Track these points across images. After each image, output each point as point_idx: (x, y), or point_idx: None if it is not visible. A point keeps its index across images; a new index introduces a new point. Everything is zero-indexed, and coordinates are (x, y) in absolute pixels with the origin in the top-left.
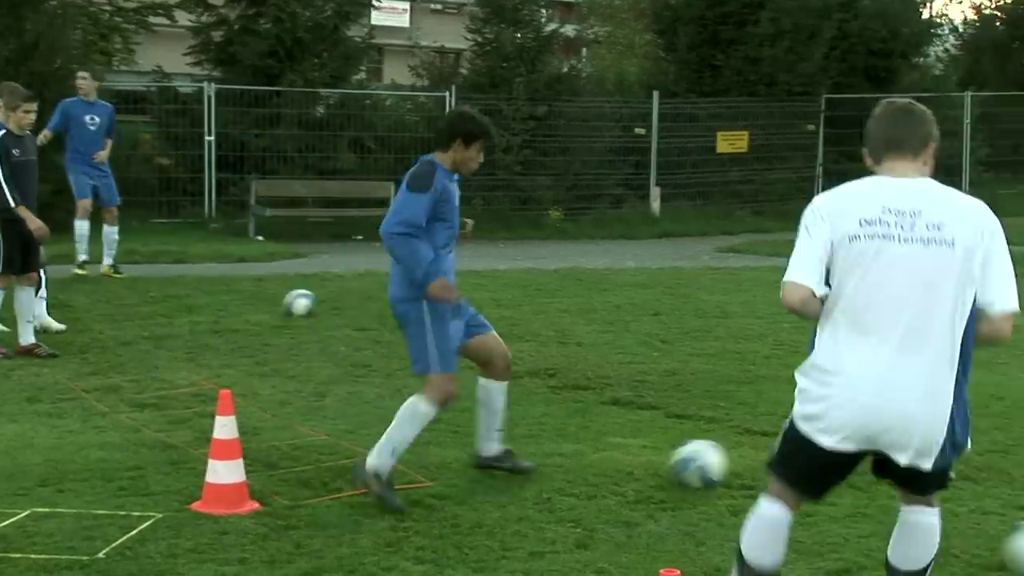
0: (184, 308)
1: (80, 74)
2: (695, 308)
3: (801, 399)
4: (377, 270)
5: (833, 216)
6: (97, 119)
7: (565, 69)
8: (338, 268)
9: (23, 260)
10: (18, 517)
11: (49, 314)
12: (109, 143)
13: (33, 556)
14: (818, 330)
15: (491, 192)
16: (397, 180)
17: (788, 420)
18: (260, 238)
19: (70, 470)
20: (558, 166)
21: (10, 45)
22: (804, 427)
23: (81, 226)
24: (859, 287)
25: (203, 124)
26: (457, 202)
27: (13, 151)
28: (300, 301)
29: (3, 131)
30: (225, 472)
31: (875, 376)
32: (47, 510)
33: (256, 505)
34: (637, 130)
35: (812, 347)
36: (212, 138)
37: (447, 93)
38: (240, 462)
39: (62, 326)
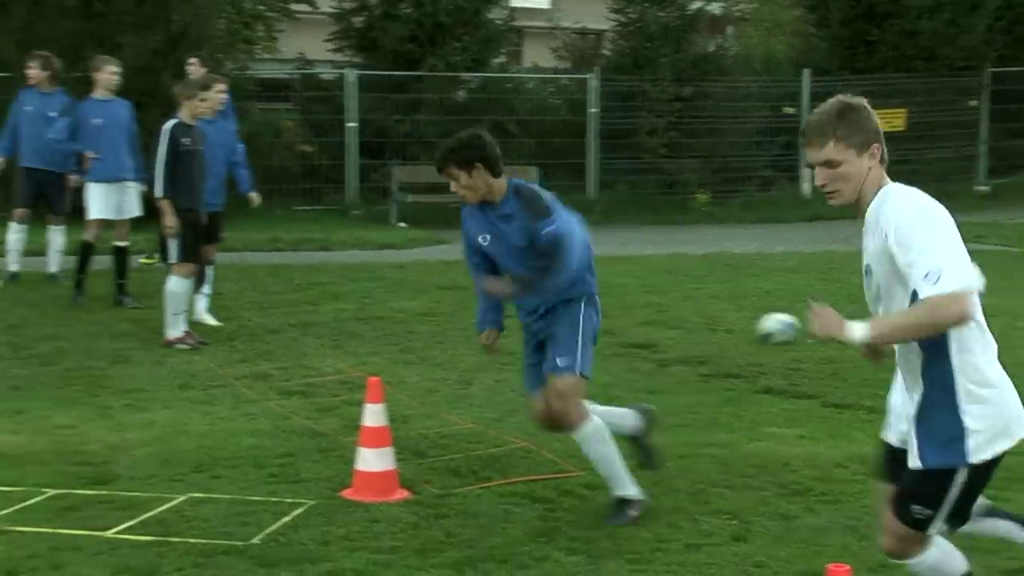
0: (329, 295)
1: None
2: (850, 293)
3: (982, 424)
4: None
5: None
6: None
7: (711, 48)
8: None
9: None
10: (176, 502)
11: (209, 311)
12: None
13: (192, 540)
14: (960, 340)
15: (636, 176)
16: (539, 164)
17: (953, 477)
18: (402, 224)
19: (223, 456)
20: (704, 148)
21: (158, 36)
22: (987, 454)
23: None
24: None
25: (344, 111)
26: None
27: (182, 140)
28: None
29: (175, 120)
30: (375, 460)
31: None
32: (202, 495)
33: (406, 493)
34: (787, 109)
35: (940, 362)
36: (354, 124)
37: (590, 75)
38: (390, 450)
39: (219, 323)
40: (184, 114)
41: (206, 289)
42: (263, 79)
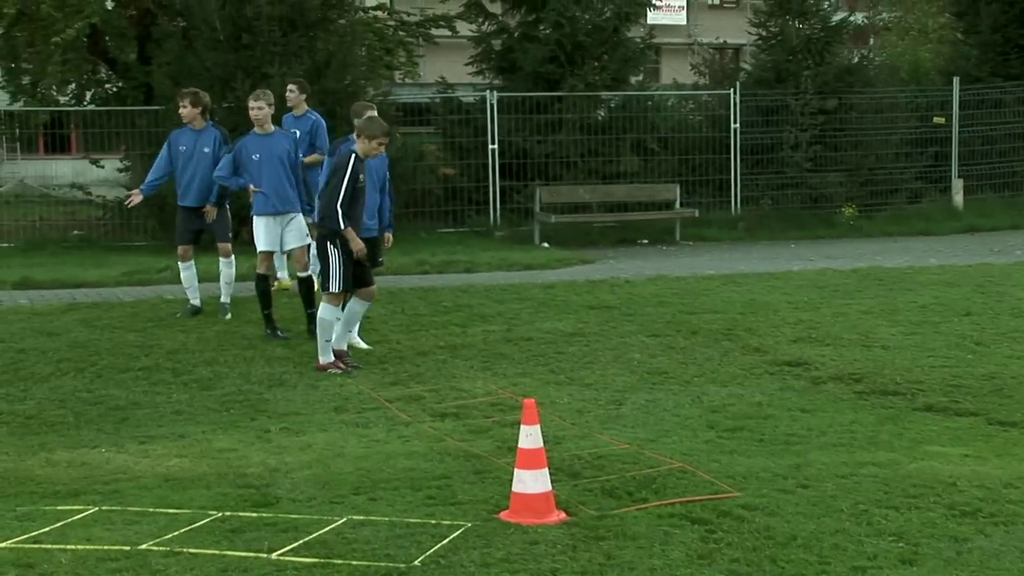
0: (476, 317)
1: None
2: (1011, 307)
3: None
4: (665, 274)
5: None
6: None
7: (855, 59)
8: (627, 273)
9: (356, 276)
10: (336, 524)
11: (360, 335)
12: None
13: (354, 562)
14: None
15: (780, 191)
16: (681, 181)
17: None
18: (546, 245)
19: (380, 478)
20: (850, 161)
21: (304, 64)
22: None
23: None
24: None
25: (486, 133)
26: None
27: (360, 176)
28: None
29: (354, 154)
30: (532, 481)
31: None
32: (362, 517)
33: (563, 515)
34: (937, 119)
35: None
36: (495, 146)
37: (731, 91)
38: (546, 471)
39: (369, 346)
40: (360, 148)
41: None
42: (405, 104)
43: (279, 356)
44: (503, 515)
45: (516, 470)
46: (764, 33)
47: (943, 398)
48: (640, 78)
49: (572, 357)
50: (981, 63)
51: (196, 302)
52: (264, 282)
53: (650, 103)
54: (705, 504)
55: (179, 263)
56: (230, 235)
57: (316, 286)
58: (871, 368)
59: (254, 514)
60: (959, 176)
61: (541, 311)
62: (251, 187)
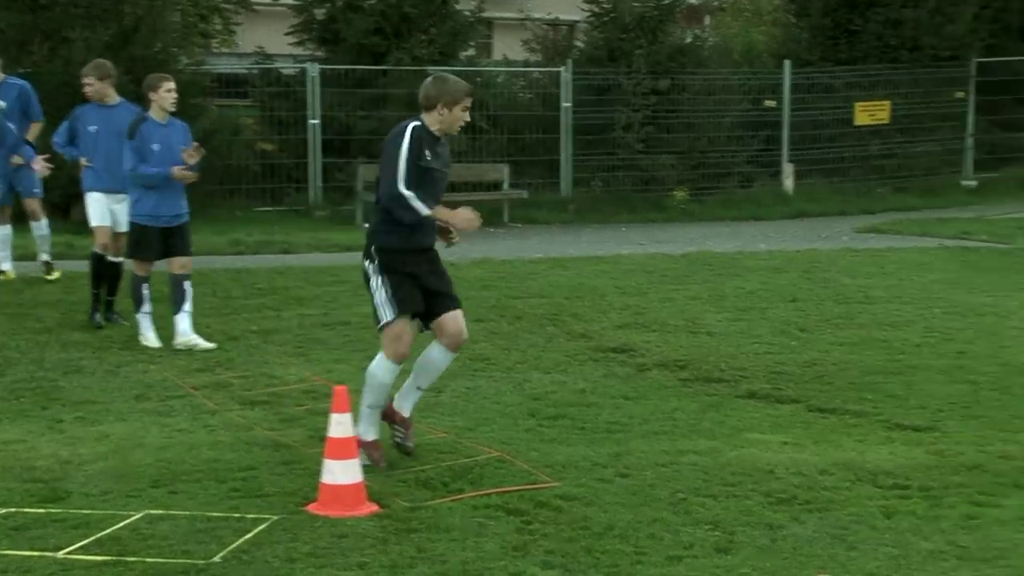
0: (292, 300)
1: None
2: (835, 293)
3: None
4: (491, 258)
5: None
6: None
7: (688, 39)
8: (451, 256)
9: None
10: (132, 519)
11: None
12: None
13: (148, 560)
14: None
15: (611, 172)
16: (510, 161)
17: None
18: (368, 225)
19: (182, 470)
20: (682, 143)
21: (110, 30)
22: None
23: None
24: None
25: (307, 107)
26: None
27: (427, 153)
28: None
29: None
30: (342, 472)
31: None
32: (160, 512)
33: (375, 507)
34: (767, 102)
35: None
36: (317, 121)
37: (562, 68)
38: (357, 462)
39: (212, 344)
40: (436, 122)
41: (187, 307)
42: (220, 74)
43: (76, 341)
44: (311, 507)
45: (325, 460)
46: (597, 9)
47: (766, 385)
48: (471, 53)
49: None
50: (812, 47)
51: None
52: (99, 262)
53: (479, 79)
54: (522, 494)
55: None
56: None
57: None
58: (696, 355)
59: (41, 510)
60: (789, 161)
61: (361, 294)
62: (83, 160)
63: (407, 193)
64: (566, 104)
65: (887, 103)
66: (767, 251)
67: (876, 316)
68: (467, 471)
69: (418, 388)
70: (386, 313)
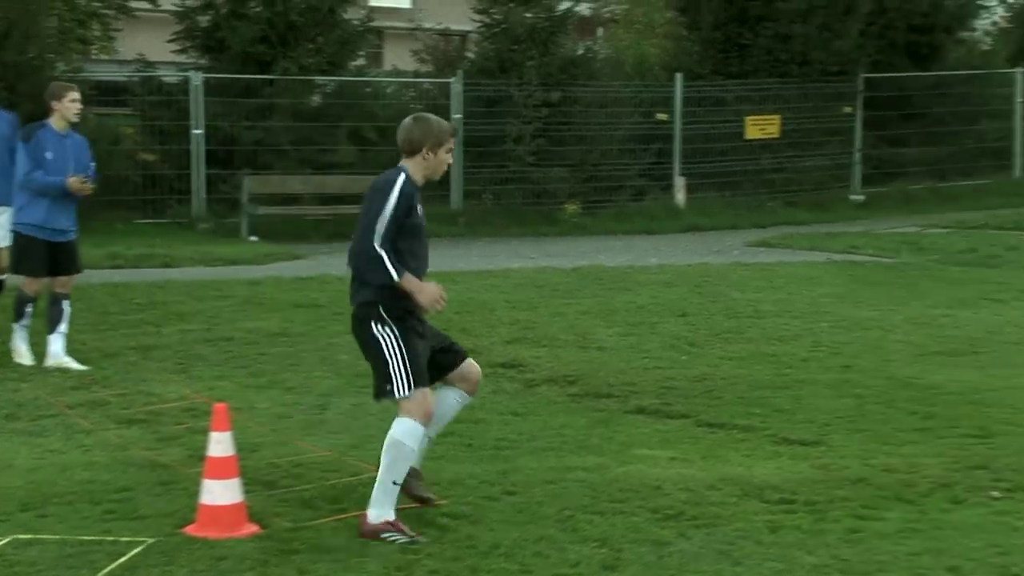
0: (173, 316)
1: None
2: (725, 308)
3: None
4: None
5: None
6: None
7: (580, 51)
8: (339, 270)
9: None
10: None
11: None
12: None
13: None
14: None
15: (502, 185)
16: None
17: None
18: (254, 239)
19: (53, 493)
20: (574, 156)
21: None
22: None
23: None
24: None
25: (189, 117)
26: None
27: (416, 208)
28: None
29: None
30: (221, 492)
31: None
32: (28, 537)
33: (255, 528)
34: (659, 116)
35: None
36: (200, 131)
37: (453, 79)
38: (237, 481)
39: (85, 367)
40: (418, 170)
41: (63, 327)
42: (99, 82)
43: None
44: (189, 529)
45: (205, 480)
46: (488, 20)
47: (655, 400)
48: (360, 63)
49: (275, 359)
50: (703, 60)
51: None
52: None
53: (368, 90)
54: (408, 513)
55: None
56: None
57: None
58: (586, 370)
59: None
60: (681, 174)
61: (244, 309)
62: None
63: (382, 253)
64: (456, 116)
65: (777, 117)
66: (658, 265)
67: (765, 330)
68: (351, 490)
69: (428, 437)
70: (403, 387)
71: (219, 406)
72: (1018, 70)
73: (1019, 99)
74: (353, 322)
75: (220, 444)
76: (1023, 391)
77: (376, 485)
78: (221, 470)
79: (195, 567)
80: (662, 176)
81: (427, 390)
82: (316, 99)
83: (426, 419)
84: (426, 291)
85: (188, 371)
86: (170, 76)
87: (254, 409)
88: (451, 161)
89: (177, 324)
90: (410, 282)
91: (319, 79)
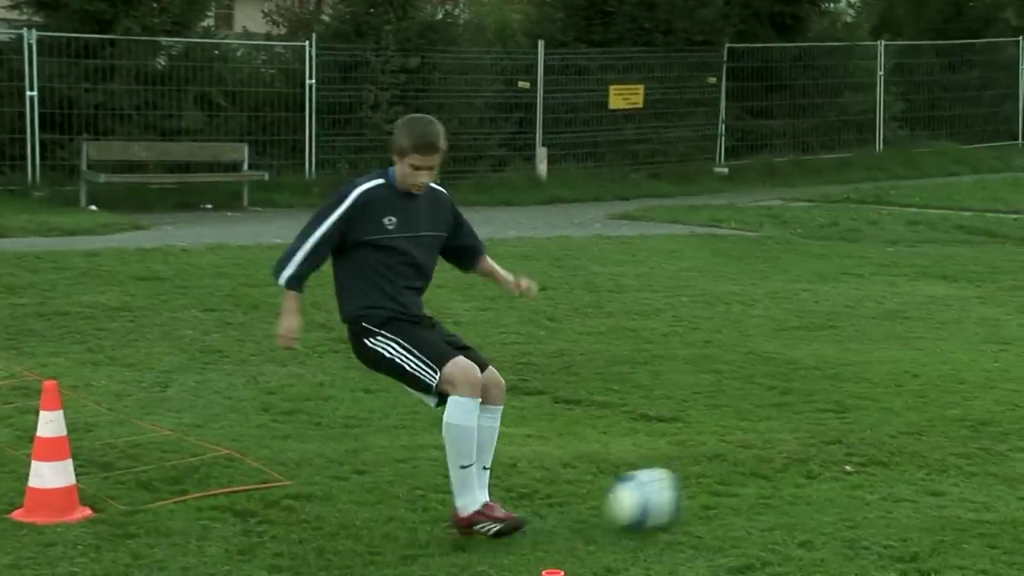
0: (2, 288)
1: None
2: (586, 281)
3: None
4: (228, 243)
5: None
6: None
7: (440, 16)
8: (184, 241)
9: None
10: None
11: None
12: None
13: None
14: None
15: (358, 155)
16: (250, 140)
17: None
18: (94, 208)
19: None
20: None
21: None
22: None
23: None
24: None
25: (23, 78)
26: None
27: (388, 220)
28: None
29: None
30: (51, 475)
31: None
32: None
33: (88, 512)
34: (521, 84)
35: None
36: (34, 93)
37: (307, 43)
38: (69, 463)
39: None
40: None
41: None
42: None
43: None
44: (16, 514)
45: (33, 462)
46: None
47: (512, 376)
48: (209, 24)
49: (114, 334)
50: (566, 27)
51: None
52: None
53: (217, 52)
54: (251, 495)
55: None
56: None
57: None
58: None
59: None
60: (543, 144)
61: (82, 282)
62: None
63: (284, 256)
64: (310, 81)
65: (641, 87)
66: (517, 237)
67: (625, 305)
68: (192, 471)
69: (484, 468)
70: (431, 375)
71: (49, 383)
72: (880, 42)
73: (880, 72)
74: (352, 345)
75: (50, 424)
76: (878, 365)
77: (450, 477)
78: (51, 451)
79: (21, 554)
80: (523, 146)
81: (458, 359)
82: (161, 62)
83: (472, 387)
84: (282, 323)
85: (19, 347)
86: (2, 34)
87: (90, 387)
88: (422, 179)
89: (8, 297)
90: (286, 302)
91: (164, 40)
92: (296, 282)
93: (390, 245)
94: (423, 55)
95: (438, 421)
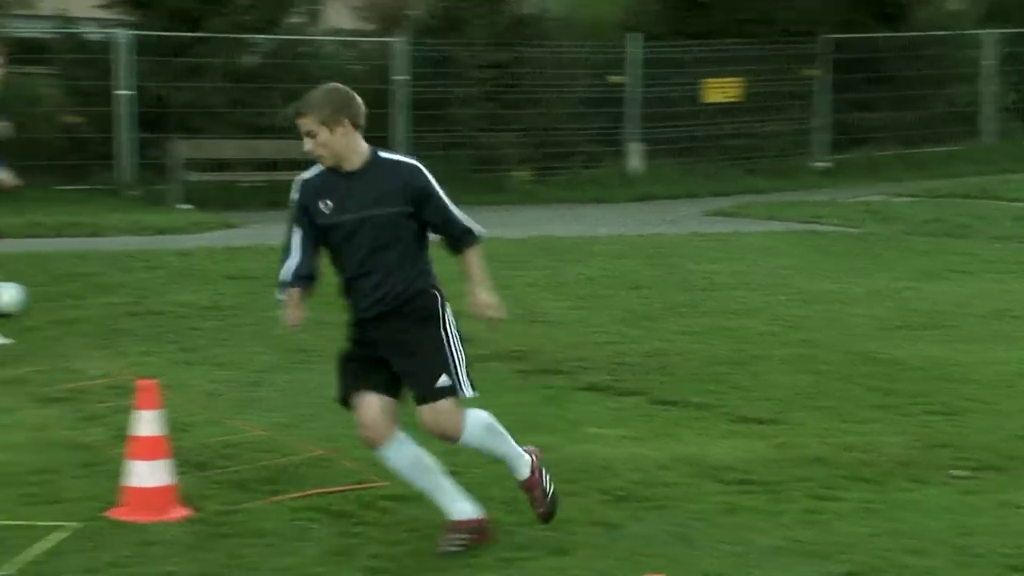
0: (96, 288)
1: None
2: (680, 280)
3: None
4: None
5: None
6: None
7: (531, 10)
8: (274, 239)
9: None
10: None
11: None
12: None
13: None
14: None
15: (447, 151)
16: None
17: None
18: (186, 206)
19: None
20: (524, 120)
21: None
22: None
23: None
24: None
25: (115, 77)
26: None
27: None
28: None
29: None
30: (148, 474)
31: None
32: None
33: (185, 511)
34: (612, 78)
35: None
36: (129, 92)
37: (398, 39)
38: (166, 462)
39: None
40: None
41: None
42: (18, 39)
43: None
44: (114, 513)
45: (131, 461)
46: None
47: (606, 377)
48: (298, 21)
49: (207, 333)
50: (661, 20)
51: None
52: None
53: (310, 49)
54: (347, 495)
55: None
56: None
57: None
58: (534, 345)
59: None
60: (637, 140)
61: (175, 282)
62: None
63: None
64: (400, 77)
65: (739, 80)
66: (610, 235)
67: (721, 303)
68: (287, 471)
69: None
70: (468, 386)
71: (146, 383)
72: (988, 31)
73: (989, 62)
74: None
75: (148, 423)
76: (990, 366)
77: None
78: (149, 450)
79: (120, 553)
80: (616, 142)
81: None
82: (251, 59)
83: (362, 439)
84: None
85: (113, 347)
86: (93, 33)
87: (185, 387)
88: (306, 149)
89: (100, 296)
90: (290, 298)
91: (252, 38)
92: (294, 282)
93: (329, 228)
94: (514, 49)
95: (534, 423)
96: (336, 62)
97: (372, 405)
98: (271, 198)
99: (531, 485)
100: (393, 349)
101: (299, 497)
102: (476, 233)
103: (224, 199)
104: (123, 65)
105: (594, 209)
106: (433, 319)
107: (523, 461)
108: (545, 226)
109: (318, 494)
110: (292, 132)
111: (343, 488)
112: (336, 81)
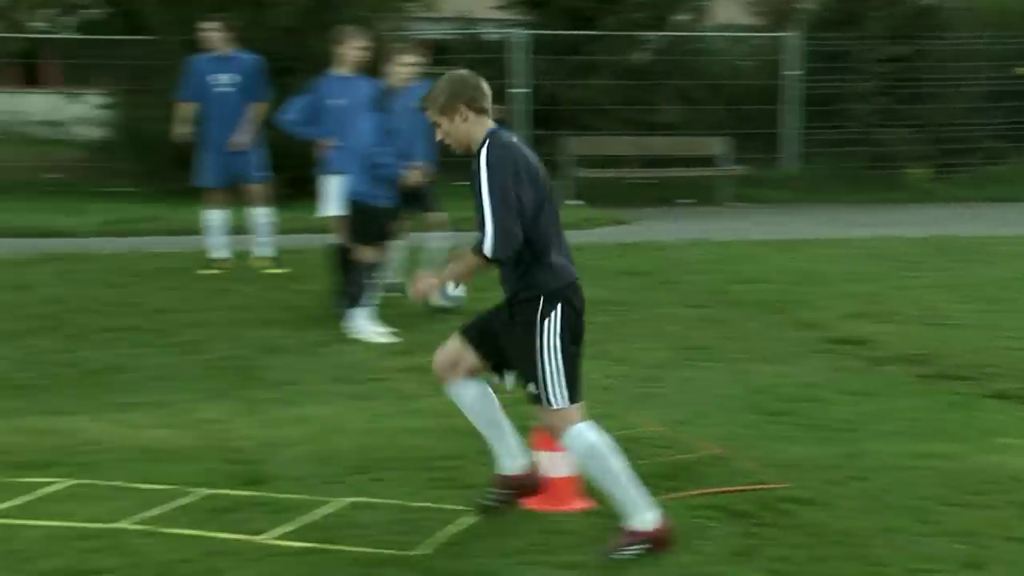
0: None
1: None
2: None
3: None
4: (709, 239)
5: None
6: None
7: (930, 1)
8: (664, 236)
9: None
10: (334, 506)
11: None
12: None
13: (353, 549)
14: None
15: (840, 148)
16: (730, 135)
17: None
18: (579, 202)
19: (384, 457)
20: (922, 115)
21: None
22: None
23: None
24: None
25: (511, 75)
26: None
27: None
28: None
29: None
30: (551, 464)
31: None
32: (363, 499)
33: (587, 503)
34: (1018, 70)
35: None
36: (524, 90)
37: (792, 34)
38: (566, 454)
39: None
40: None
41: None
42: (420, 41)
43: (275, 319)
44: (525, 502)
45: (536, 452)
46: None
47: (1018, 384)
48: (688, 17)
49: (600, 328)
50: None
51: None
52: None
53: (702, 45)
54: (746, 495)
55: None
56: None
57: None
58: (937, 349)
59: (244, 492)
60: None
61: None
62: (327, 140)
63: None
64: (792, 72)
65: None
66: (1018, 235)
67: None
68: (684, 468)
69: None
70: (561, 396)
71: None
72: None
73: None
74: None
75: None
76: None
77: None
78: (550, 441)
79: (529, 540)
80: (1020, 137)
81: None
82: (643, 56)
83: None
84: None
85: None
86: (491, 34)
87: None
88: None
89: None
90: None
91: (645, 35)
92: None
93: None
94: (913, 42)
95: (938, 430)
96: (726, 58)
97: (452, 348)
98: (662, 195)
99: (627, 537)
100: (506, 338)
101: (698, 495)
102: (483, 249)
103: (614, 196)
104: (519, 63)
105: (999, 208)
106: (532, 326)
107: (636, 509)
108: (945, 225)
109: (717, 493)
110: (682, 129)
111: (742, 488)
112: (726, 76)
